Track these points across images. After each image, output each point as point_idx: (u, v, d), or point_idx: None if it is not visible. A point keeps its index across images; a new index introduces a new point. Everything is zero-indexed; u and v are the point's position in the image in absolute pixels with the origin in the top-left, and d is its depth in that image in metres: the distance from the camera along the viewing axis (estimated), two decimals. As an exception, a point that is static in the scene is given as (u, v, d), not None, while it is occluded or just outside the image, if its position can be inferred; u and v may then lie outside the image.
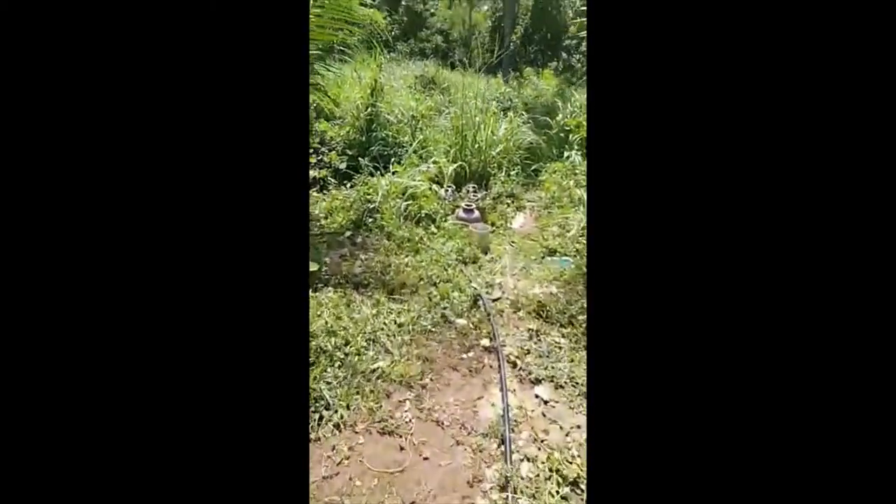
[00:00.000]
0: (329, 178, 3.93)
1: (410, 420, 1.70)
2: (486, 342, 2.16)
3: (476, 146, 4.39)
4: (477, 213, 3.59)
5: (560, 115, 5.40)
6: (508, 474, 1.46)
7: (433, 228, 3.38)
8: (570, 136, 5.09)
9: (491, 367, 2.02)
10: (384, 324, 2.16)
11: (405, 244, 3.07)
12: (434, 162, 4.15)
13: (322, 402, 1.69)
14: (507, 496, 1.40)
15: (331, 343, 1.96)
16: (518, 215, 4.03)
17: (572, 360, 2.06)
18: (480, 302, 2.48)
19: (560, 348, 2.16)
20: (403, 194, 3.58)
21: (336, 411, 1.67)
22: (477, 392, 1.86)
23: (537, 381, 1.93)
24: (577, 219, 3.52)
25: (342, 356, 1.92)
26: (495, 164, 4.53)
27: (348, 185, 4.09)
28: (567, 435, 1.67)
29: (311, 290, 2.36)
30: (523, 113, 5.15)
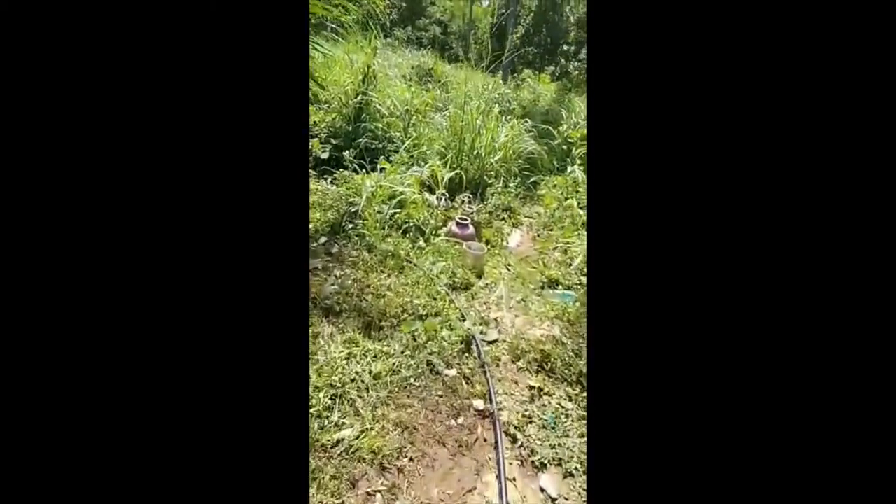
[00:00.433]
0: (309, 168, 3.45)
1: (381, 522, 1.29)
2: (479, 403, 1.76)
3: (474, 152, 3.97)
4: (471, 229, 3.18)
5: (564, 126, 5.05)
6: None
7: (422, 242, 2.96)
8: (574, 149, 4.75)
9: (485, 440, 1.62)
10: (356, 373, 1.73)
11: (388, 260, 2.64)
12: (427, 165, 3.71)
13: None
14: None
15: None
16: (514, 232, 3.65)
17: (582, 435, 1.69)
18: (474, 345, 2.08)
19: (567, 416, 1.79)
20: (390, 199, 3.14)
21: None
22: (468, 479, 1.46)
23: (542, 466, 1.55)
24: (581, 248, 3.16)
25: (298, 418, 1.48)
26: (493, 173, 4.13)
27: (328, 180, 3.62)
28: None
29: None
30: (527, 120, 4.75)
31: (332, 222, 2.98)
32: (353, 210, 3.03)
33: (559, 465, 1.56)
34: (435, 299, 2.36)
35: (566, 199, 3.93)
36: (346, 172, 3.49)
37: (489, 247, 3.18)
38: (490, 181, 4.05)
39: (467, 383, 1.86)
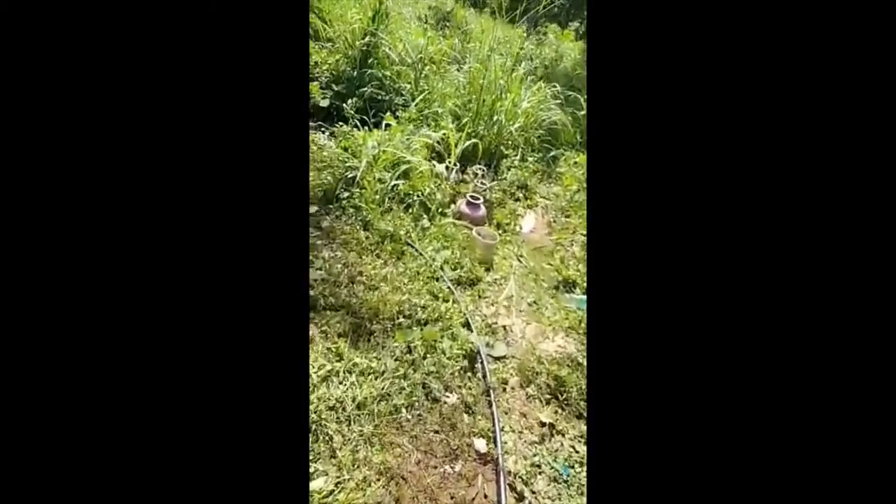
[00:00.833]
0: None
1: None
2: (481, 444, 1.48)
3: (494, 117, 3.51)
4: (483, 210, 2.81)
5: (592, 95, 4.54)
6: None
7: (426, 222, 2.59)
8: (601, 124, 4.28)
9: (486, 497, 1.34)
10: (337, 399, 1.42)
11: (386, 244, 2.28)
12: (440, 127, 3.26)
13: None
14: None
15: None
16: (528, 215, 3.27)
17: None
18: (478, 362, 1.77)
19: (582, 464, 1.52)
20: (394, 167, 2.73)
21: None
22: (463, 555, 1.19)
23: (552, 538, 1.28)
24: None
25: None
26: (511, 143, 3.69)
27: (326, 133, 3.18)
28: None
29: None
30: (554, 84, 4.22)
31: (325, 188, 2.58)
32: (350, 176, 2.62)
33: (572, 534, 1.30)
34: (437, 298, 2.03)
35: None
36: (345, 128, 3.05)
37: (500, 231, 2.82)
38: (507, 152, 3.62)
39: (468, 414, 1.57)
